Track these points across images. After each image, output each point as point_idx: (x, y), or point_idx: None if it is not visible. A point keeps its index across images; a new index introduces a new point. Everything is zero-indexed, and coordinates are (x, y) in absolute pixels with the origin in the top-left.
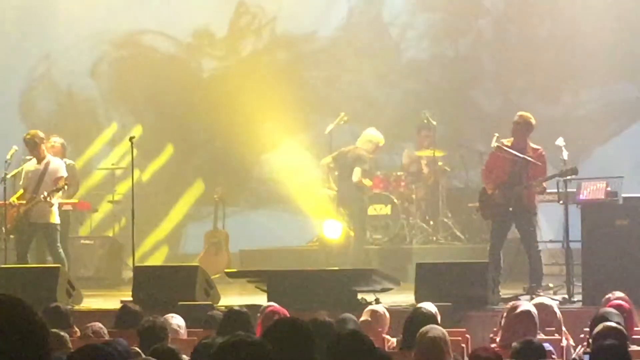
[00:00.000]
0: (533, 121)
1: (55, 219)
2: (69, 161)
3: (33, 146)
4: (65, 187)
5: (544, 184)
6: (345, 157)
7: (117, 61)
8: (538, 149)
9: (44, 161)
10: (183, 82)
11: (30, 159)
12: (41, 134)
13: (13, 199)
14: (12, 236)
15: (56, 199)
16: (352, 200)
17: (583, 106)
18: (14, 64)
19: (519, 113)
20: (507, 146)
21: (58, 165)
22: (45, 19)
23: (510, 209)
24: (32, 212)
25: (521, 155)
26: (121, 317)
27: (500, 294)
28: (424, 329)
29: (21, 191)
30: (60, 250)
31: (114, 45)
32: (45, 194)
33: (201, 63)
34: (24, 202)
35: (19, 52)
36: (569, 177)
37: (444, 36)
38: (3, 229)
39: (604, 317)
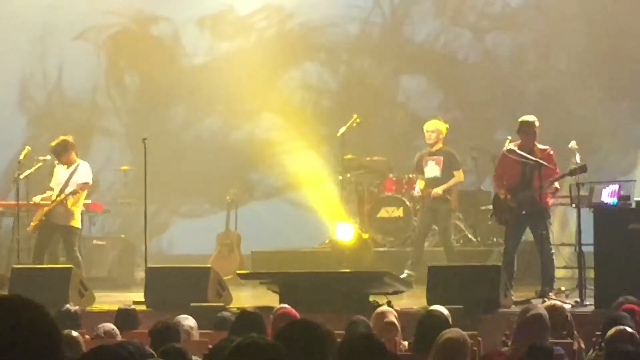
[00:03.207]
0: (537, 122)
1: (77, 223)
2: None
3: (61, 152)
4: (81, 192)
5: (556, 184)
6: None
7: (116, 48)
8: (546, 149)
9: (74, 165)
10: (184, 74)
11: (44, 159)
12: (70, 139)
13: (36, 199)
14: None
15: (79, 203)
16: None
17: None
18: (12, 48)
19: (523, 117)
20: (516, 149)
21: (85, 171)
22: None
23: (524, 212)
24: (53, 213)
25: (533, 159)
26: (119, 319)
27: (512, 297)
28: (445, 331)
29: (49, 192)
30: (78, 254)
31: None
32: (63, 196)
33: (207, 51)
34: (49, 202)
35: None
36: (578, 175)
37: (460, 37)
38: (17, 229)
39: (616, 321)
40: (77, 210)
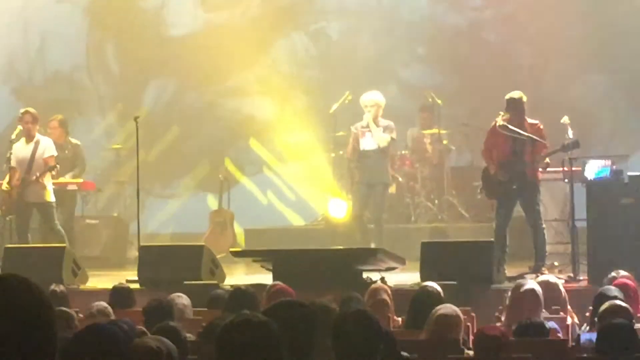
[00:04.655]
0: (525, 98)
1: (50, 197)
2: (75, 141)
3: (30, 123)
4: (57, 166)
5: (547, 159)
6: None
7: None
8: (536, 124)
9: (33, 140)
10: (170, 46)
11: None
12: (33, 112)
13: (5, 185)
14: (8, 217)
15: (49, 178)
16: None
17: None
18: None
19: (510, 94)
20: (507, 125)
21: (47, 145)
22: None
23: (514, 186)
24: (26, 192)
25: (526, 134)
26: (113, 297)
27: (506, 272)
28: (438, 307)
29: (8, 175)
30: (59, 227)
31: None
32: (38, 174)
33: (193, 23)
34: (16, 183)
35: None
36: (571, 151)
37: (456, 13)
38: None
39: (608, 295)
40: (49, 184)
